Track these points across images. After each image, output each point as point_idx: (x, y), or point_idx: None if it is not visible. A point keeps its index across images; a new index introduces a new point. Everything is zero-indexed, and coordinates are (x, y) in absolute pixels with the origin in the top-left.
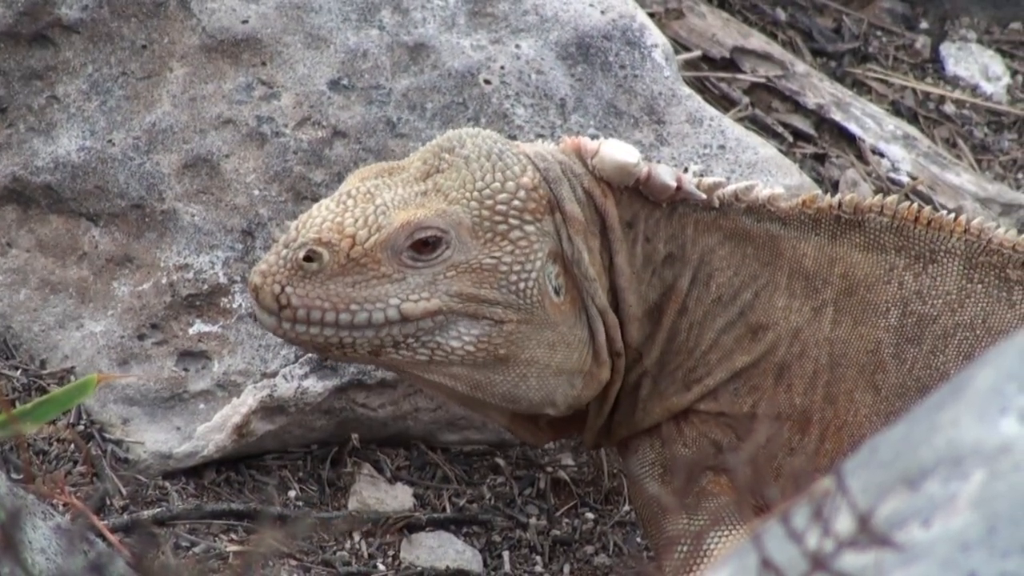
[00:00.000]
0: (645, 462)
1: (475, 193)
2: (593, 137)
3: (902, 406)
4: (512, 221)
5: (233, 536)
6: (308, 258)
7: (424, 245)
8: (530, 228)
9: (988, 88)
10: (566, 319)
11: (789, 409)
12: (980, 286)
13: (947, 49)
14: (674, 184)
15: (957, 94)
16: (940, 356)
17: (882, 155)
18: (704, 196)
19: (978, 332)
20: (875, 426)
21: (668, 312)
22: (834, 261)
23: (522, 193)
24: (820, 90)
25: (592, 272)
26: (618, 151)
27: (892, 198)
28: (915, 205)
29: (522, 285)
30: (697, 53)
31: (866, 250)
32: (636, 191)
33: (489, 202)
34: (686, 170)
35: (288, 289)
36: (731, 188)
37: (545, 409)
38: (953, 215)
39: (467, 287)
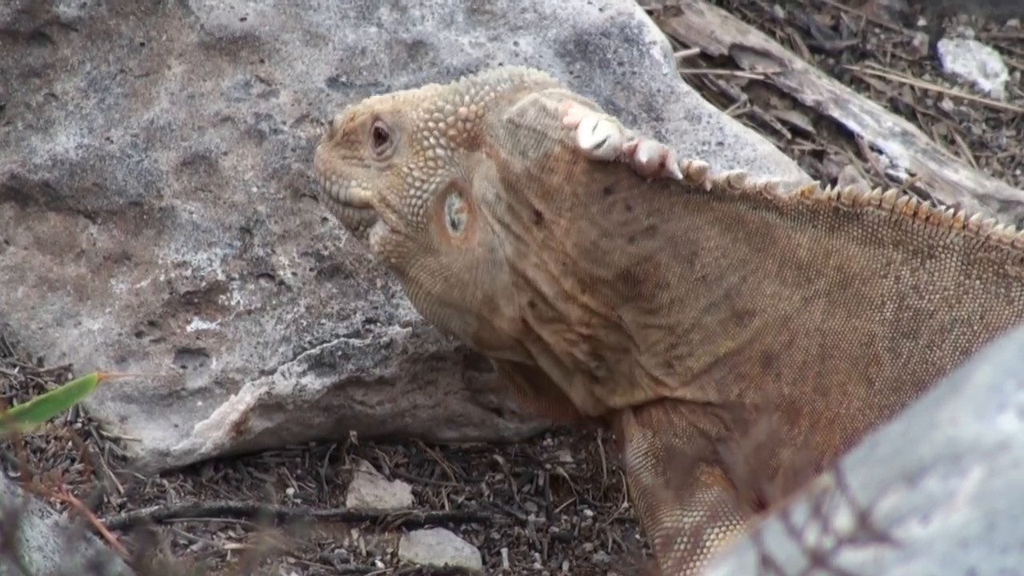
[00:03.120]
0: (639, 453)
1: (429, 106)
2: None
3: (897, 400)
4: (432, 140)
5: (231, 534)
6: (331, 122)
7: (379, 137)
8: (441, 152)
9: (986, 85)
10: (454, 254)
11: (778, 399)
12: (978, 282)
13: (945, 46)
14: (657, 161)
15: (955, 91)
16: (936, 351)
17: (880, 152)
18: (680, 176)
19: (975, 328)
20: (868, 420)
21: (646, 282)
22: (830, 253)
23: (451, 119)
24: (818, 87)
25: (508, 221)
26: (585, 133)
27: (891, 192)
28: (914, 199)
29: (415, 202)
30: (695, 50)
31: (863, 243)
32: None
33: (427, 116)
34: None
35: (319, 147)
36: (723, 174)
37: (451, 337)
38: (952, 210)
39: (385, 188)
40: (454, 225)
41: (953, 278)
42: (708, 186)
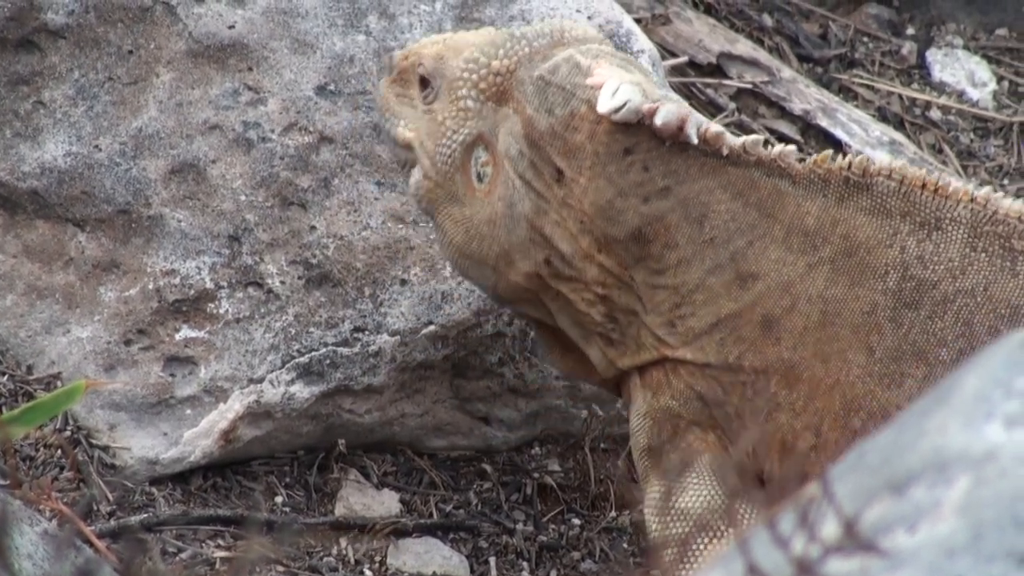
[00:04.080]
0: (639, 414)
1: (467, 55)
2: None
3: (897, 369)
4: (464, 91)
5: (220, 542)
6: (389, 57)
7: (423, 82)
8: (471, 103)
9: (974, 94)
10: (477, 206)
11: (776, 362)
12: (984, 255)
13: (933, 55)
14: (675, 124)
15: (943, 100)
16: (938, 322)
17: None
18: (696, 140)
19: (979, 299)
20: (868, 387)
21: (656, 242)
22: (837, 222)
23: (484, 71)
24: (806, 96)
25: (529, 177)
26: (605, 95)
27: (901, 162)
28: (924, 171)
29: (445, 151)
30: (684, 59)
31: (871, 214)
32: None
33: (463, 66)
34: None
35: (380, 81)
36: (740, 140)
37: (476, 287)
38: (961, 183)
39: (424, 133)
40: (479, 178)
41: (959, 250)
42: (724, 151)
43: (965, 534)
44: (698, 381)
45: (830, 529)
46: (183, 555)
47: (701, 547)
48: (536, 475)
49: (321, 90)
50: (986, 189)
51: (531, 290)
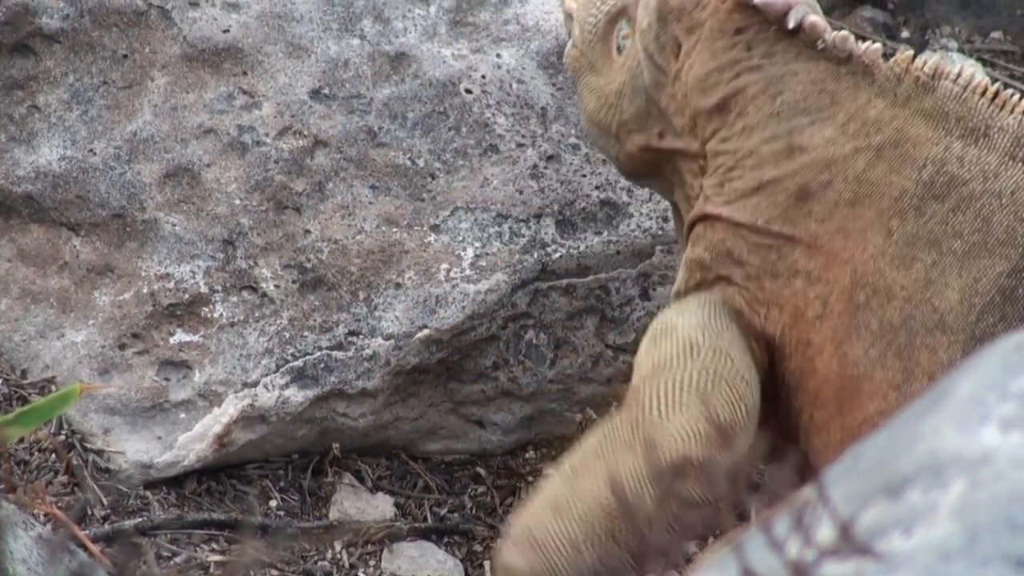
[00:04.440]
0: (681, 264)
1: None
2: (574, 146)
3: (909, 253)
4: None
5: (214, 546)
6: None
7: None
8: None
9: None
10: (612, 76)
11: (802, 232)
12: (1021, 164)
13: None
14: (781, 8)
15: None
16: (959, 215)
17: None
18: (791, 24)
19: (1003, 201)
20: (878, 266)
21: (732, 112)
22: (896, 117)
23: None
24: None
25: (653, 51)
26: None
27: (971, 70)
28: (986, 80)
29: (592, 20)
30: None
31: (929, 115)
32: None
33: None
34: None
35: None
36: (833, 34)
37: (604, 156)
38: (1019, 95)
39: (581, 3)
40: (619, 50)
41: (998, 157)
42: (820, 45)
43: (960, 537)
44: (729, 238)
45: (825, 532)
46: (177, 559)
47: (678, 369)
48: (531, 479)
49: (315, 94)
50: None
51: (649, 163)
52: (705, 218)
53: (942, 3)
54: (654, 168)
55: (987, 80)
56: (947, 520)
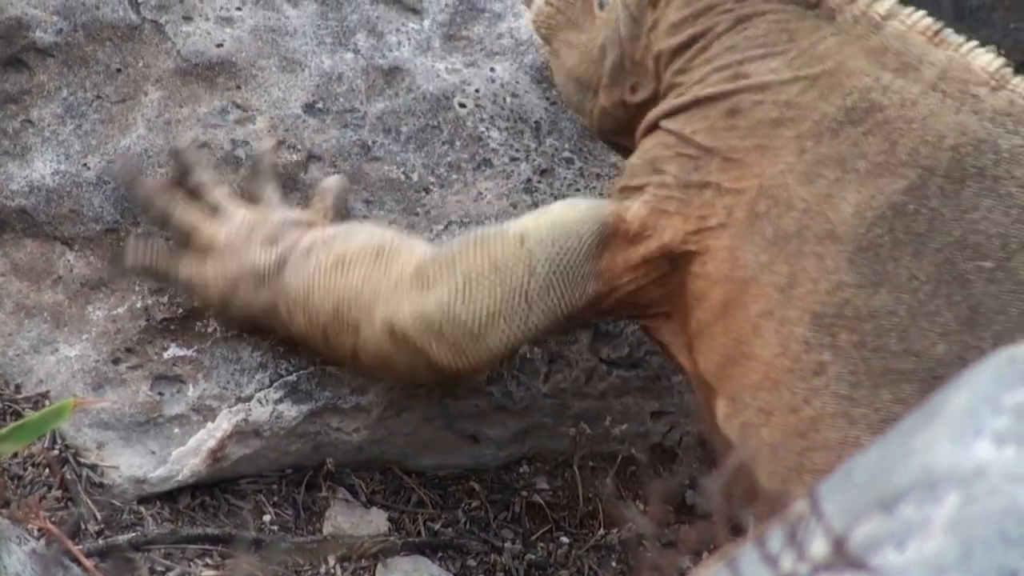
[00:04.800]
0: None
1: None
2: (568, 160)
3: (815, 170)
4: None
5: (208, 561)
6: None
7: None
8: None
9: None
10: (593, 32)
11: (723, 146)
12: (939, 94)
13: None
14: None
15: None
16: (869, 139)
17: None
18: None
19: (914, 126)
20: (784, 180)
21: (695, 47)
22: (841, 52)
23: None
24: None
25: (630, 2)
26: None
27: (920, 13)
28: (931, 21)
29: None
30: None
31: (871, 51)
32: None
33: None
34: None
35: None
36: None
37: (579, 116)
38: (963, 38)
39: None
40: (601, 6)
41: (921, 87)
42: None
43: (954, 551)
44: (658, 146)
45: (819, 547)
46: (171, 574)
47: (505, 273)
48: (524, 493)
49: (309, 108)
50: (981, 49)
51: (621, 120)
52: (649, 129)
53: (936, 16)
54: (626, 126)
55: (932, 22)
56: (941, 534)
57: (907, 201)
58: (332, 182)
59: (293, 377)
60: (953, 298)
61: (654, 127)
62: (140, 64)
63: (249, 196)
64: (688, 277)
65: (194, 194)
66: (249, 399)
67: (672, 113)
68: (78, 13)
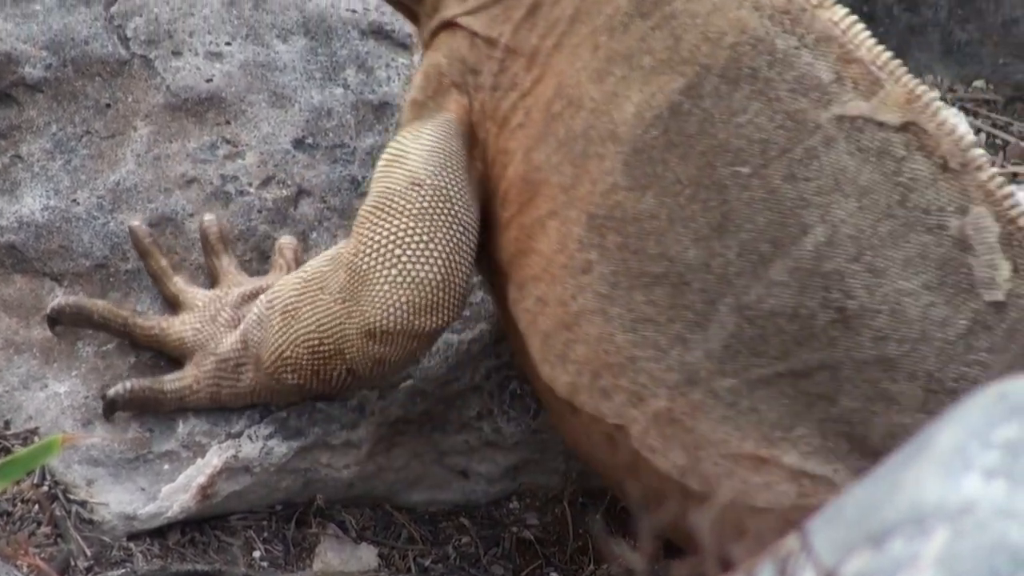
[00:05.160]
0: (419, 70)
1: None
2: None
3: (606, 68)
4: None
5: None
6: None
7: None
8: None
9: None
10: None
11: (525, 45)
12: (757, 14)
13: None
14: None
15: None
16: (656, 33)
17: None
18: None
19: (697, 21)
20: (578, 79)
21: None
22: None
23: None
24: None
25: None
26: None
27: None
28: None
29: None
30: None
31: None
32: None
33: None
34: None
35: None
36: None
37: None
38: (846, 14)
39: None
40: None
41: (761, 23)
42: None
43: None
44: (465, 47)
45: None
46: None
47: (398, 214)
48: (515, 529)
49: (299, 143)
50: (859, 28)
51: None
52: (447, 25)
53: (924, 51)
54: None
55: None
56: (929, 570)
57: (683, 101)
58: (287, 240)
59: (283, 413)
60: (709, 203)
61: (453, 23)
62: (129, 99)
63: (208, 270)
64: (491, 179)
65: (154, 279)
66: (239, 435)
67: (473, 11)
68: (67, 48)
